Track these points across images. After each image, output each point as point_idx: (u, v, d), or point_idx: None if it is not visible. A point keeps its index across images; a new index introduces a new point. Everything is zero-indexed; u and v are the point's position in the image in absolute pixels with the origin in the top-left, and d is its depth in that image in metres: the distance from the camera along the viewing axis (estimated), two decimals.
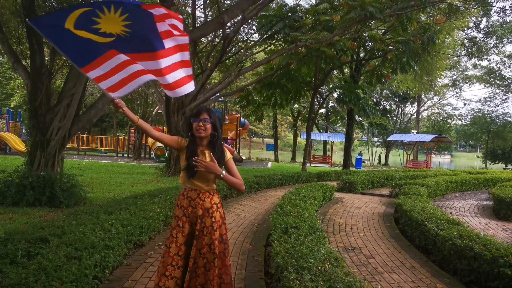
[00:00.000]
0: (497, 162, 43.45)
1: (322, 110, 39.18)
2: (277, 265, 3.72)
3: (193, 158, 2.96)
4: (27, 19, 3.62)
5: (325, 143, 40.41)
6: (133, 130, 29.11)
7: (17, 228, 5.37)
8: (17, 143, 20.86)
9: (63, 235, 4.38)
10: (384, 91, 40.92)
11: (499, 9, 17.62)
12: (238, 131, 27.77)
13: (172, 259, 3.00)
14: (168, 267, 2.99)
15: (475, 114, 44.41)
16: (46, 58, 9.41)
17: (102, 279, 3.90)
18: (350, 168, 22.45)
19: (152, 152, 23.73)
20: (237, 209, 8.50)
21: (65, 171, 8.60)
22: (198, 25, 14.24)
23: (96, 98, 9.17)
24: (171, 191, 7.87)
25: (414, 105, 45.07)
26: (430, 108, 47.97)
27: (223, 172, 3.04)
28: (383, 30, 17.17)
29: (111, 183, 11.55)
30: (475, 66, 39.45)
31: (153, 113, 28.01)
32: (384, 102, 43.94)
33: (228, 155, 3.19)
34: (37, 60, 8.10)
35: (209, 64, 14.50)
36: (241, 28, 15.08)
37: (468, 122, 46.67)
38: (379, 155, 47.37)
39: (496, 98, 41.91)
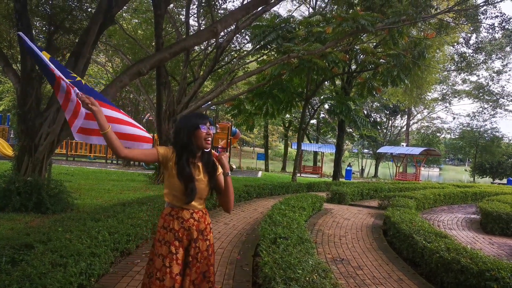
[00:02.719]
0: (485, 176, 43.92)
1: (313, 121, 39.42)
2: (265, 276, 3.70)
3: (221, 152, 2.71)
4: (19, 32, 4.33)
5: (315, 153, 40.51)
6: None
7: (2, 234, 5.28)
8: (5, 148, 20.61)
9: (49, 241, 4.32)
10: (375, 103, 41.26)
11: (488, 25, 17.97)
12: (229, 140, 27.74)
13: None
14: None
15: (463, 128, 44.92)
16: None
17: (87, 287, 3.85)
18: (340, 179, 22.51)
19: None
20: (226, 219, 8.46)
21: (52, 177, 8.49)
22: (191, 33, 14.27)
23: None
24: (160, 199, 7.81)
25: (404, 118, 45.53)
26: (419, 121, 48.51)
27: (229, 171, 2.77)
28: (374, 43, 17.37)
29: (99, 190, 11.43)
30: (464, 81, 40.01)
31: (144, 120, 27.91)
32: (375, 114, 44.30)
33: (220, 169, 2.79)
34: (27, 65, 8.04)
35: (201, 73, 14.51)
36: (234, 37, 15.15)
37: (456, 136, 47.16)
38: (362, 167, 47.56)
39: (484, 113, 42.46)
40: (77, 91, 3.06)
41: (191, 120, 2.66)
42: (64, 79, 3.26)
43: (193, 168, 2.65)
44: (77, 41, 8.72)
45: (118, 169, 20.43)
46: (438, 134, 48.54)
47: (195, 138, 2.62)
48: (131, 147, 3.21)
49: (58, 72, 3.26)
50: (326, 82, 20.43)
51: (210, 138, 2.66)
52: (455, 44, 25.06)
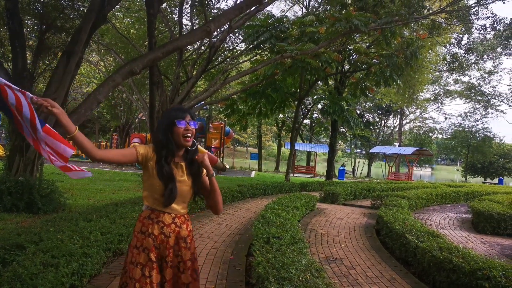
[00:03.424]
0: (476, 176, 44.31)
1: (307, 121, 39.47)
2: (258, 275, 3.70)
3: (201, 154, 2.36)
4: None
5: (308, 153, 40.59)
6: (116, 136, 28.80)
7: None
8: None
9: (40, 242, 4.28)
10: (368, 103, 41.43)
11: (480, 26, 18.11)
12: (222, 140, 27.70)
13: None
14: None
15: (455, 128, 45.24)
16: (29, 62, 9.27)
17: (79, 287, 3.82)
18: (333, 179, 22.57)
19: None
20: (219, 218, 8.44)
21: (44, 177, 8.43)
22: (184, 33, 14.22)
23: (79, 104, 9.07)
24: None
25: (396, 118, 45.79)
26: (412, 122, 48.79)
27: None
28: (367, 44, 17.42)
29: (91, 190, 11.37)
30: (456, 81, 40.28)
31: (137, 119, 27.79)
32: (368, 114, 44.48)
33: (205, 170, 2.54)
34: (19, 64, 7.97)
35: (194, 72, 14.46)
36: (228, 37, 15.12)
37: (448, 136, 47.49)
38: (353, 166, 47.71)
39: (476, 113, 42.78)
40: (30, 95, 2.26)
41: (169, 115, 2.43)
42: (9, 84, 2.31)
43: (176, 168, 2.43)
44: (69, 40, 8.66)
45: (111, 169, 20.32)
46: (430, 134, 48.85)
47: (172, 135, 2.39)
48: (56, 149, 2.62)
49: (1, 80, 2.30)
50: (319, 82, 20.47)
51: (189, 134, 2.39)
52: (447, 44, 25.25)
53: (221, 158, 27.89)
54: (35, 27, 10.31)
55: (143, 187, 2.48)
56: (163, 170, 2.36)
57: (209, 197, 2.55)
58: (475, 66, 32.83)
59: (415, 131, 49.32)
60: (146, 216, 2.43)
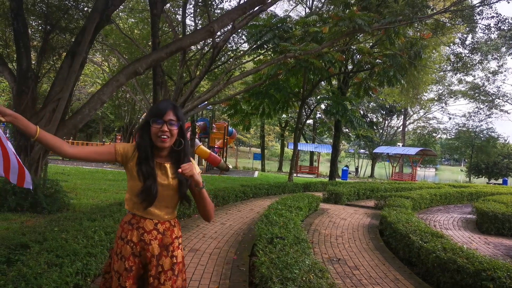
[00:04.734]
0: (480, 176, 44.13)
1: (310, 121, 39.43)
2: (261, 275, 3.70)
3: (182, 166, 2.10)
4: None
5: (312, 153, 40.56)
6: (119, 136, 28.87)
7: None
8: None
9: (45, 241, 4.29)
10: (371, 103, 41.36)
11: (484, 26, 18.00)
12: (225, 140, 27.72)
13: None
14: None
15: (459, 128, 45.10)
16: (33, 62, 9.30)
17: (83, 287, 3.83)
18: (336, 179, 22.54)
19: None
20: (222, 218, 8.45)
21: (48, 177, 8.46)
22: (188, 33, 14.24)
23: (83, 104, 9.10)
24: None
25: (400, 118, 45.65)
26: (415, 122, 48.62)
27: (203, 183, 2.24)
28: (371, 44, 17.39)
29: (95, 190, 11.40)
30: (460, 81, 40.12)
31: (140, 119, 27.82)
32: (371, 114, 44.40)
33: (197, 169, 2.26)
34: (23, 64, 8.00)
35: (198, 72, 14.48)
36: (231, 37, 15.13)
37: (452, 136, 47.34)
38: (356, 167, 47.64)
39: (480, 113, 42.64)
40: None
41: (149, 112, 2.25)
42: None
43: (158, 171, 2.23)
44: (73, 40, 8.69)
45: (115, 169, 20.37)
46: (434, 134, 48.71)
47: (150, 135, 2.20)
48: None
49: None
50: (322, 82, 20.45)
51: (165, 136, 2.16)
52: (451, 44, 25.15)
53: (224, 158, 27.90)
54: (40, 27, 10.36)
55: (127, 189, 2.33)
56: (142, 169, 2.19)
57: (199, 207, 2.32)
58: (479, 66, 32.73)
59: (418, 131, 49.15)
60: (127, 221, 2.27)
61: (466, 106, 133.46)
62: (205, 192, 2.24)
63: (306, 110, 25.60)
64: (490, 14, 15.38)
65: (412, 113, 45.78)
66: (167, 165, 2.24)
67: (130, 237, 2.21)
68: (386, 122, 46.68)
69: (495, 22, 15.34)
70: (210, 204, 2.30)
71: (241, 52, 16.93)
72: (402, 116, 44.48)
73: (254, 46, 14.87)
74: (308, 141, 40.67)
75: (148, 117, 2.22)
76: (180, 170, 2.10)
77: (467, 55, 24.03)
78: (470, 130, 43.16)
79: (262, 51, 15.64)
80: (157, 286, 2.18)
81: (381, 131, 45.69)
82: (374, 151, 37.53)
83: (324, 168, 42.55)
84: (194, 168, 2.16)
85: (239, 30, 14.68)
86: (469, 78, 38.13)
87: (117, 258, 2.23)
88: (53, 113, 8.03)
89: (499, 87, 58.08)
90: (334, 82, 21.69)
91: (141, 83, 19.28)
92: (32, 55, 8.81)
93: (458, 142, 44.99)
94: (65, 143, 2.09)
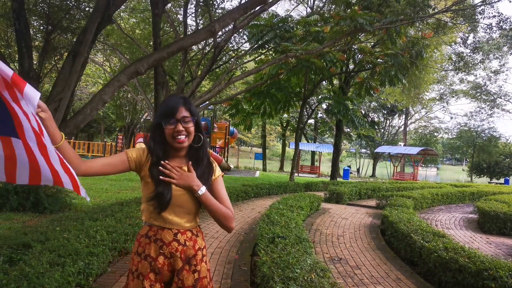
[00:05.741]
0: (482, 175, 44.03)
1: (311, 121, 39.37)
2: (263, 275, 3.70)
3: (162, 163, 1.95)
4: None
5: (313, 153, 40.54)
6: (121, 136, 28.90)
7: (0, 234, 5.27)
8: None
9: (47, 241, 4.31)
10: (373, 103, 41.30)
11: (486, 25, 18.01)
12: (226, 140, 27.72)
13: None
14: None
15: (461, 128, 45.01)
16: (35, 62, 9.32)
17: (85, 286, 3.84)
18: (338, 179, 22.53)
19: None
20: None
21: None
22: (189, 33, 14.25)
23: (84, 104, 9.11)
24: None
25: (401, 118, 45.58)
26: (417, 121, 48.56)
27: (203, 188, 1.98)
28: (372, 43, 17.37)
29: (97, 190, 11.42)
30: (461, 80, 40.06)
31: (142, 119, 27.87)
32: (372, 114, 44.34)
33: (218, 171, 2.12)
34: (25, 64, 8.01)
35: (199, 72, 14.48)
36: (232, 37, 15.13)
37: (454, 136, 47.26)
38: (357, 166, 47.62)
39: (482, 113, 42.56)
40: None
41: (158, 112, 2.02)
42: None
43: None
44: (74, 40, 8.70)
45: None
46: (435, 134, 48.64)
47: (163, 137, 2.00)
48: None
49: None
50: (323, 82, 20.44)
51: (181, 136, 1.95)
52: (453, 43, 25.14)
53: (225, 158, 27.91)
54: (41, 27, 10.38)
55: (142, 199, 2.11)
56: (153, 173, 1.99)
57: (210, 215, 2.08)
58: (481, 65, 32.67)
59: (420, 130, 49.09)
60: (144, 234, 2.03)
61: (467, 106, 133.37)
62: (207, 198, 2.00)
63: (308, 109, 25.56)
64: (492, 13, 15.37)
65: (413, 113, 45.74)
66: (185, 169, 2.02)
67: (148, 252, 1.98)
68: (388, 121, 46.62)
69: (497, 21, 15.32)
70: (218, 211, 2.01)
71: (243, 52, 16.94)
72: (404, 116, 44.43)
73: (255, 46, 14.87)
74: (310, 141, 40.69)
75: (159, 118, 1.99)
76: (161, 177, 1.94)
77: (469, 54, 23.99)
78: (472, 129, 43.08)
79: (264, 51, 15.64)
80: None
81: (382, 130, 45.63)
82: (375, 150, 37.50)
83: (325, 167, 42.50)
84: (188, 177, 1.97)
85: (240, 30, 14.68)
86: (471, 78, 38.12)
87: (132, 277, 2.00)
88: (54, 113, 8.03)
89: (501, 87, 58.08)
90: (335, 81, 21.69)
91: (143, 83, 19.31)
92: (34, 55, 8.83)
93: (460, 142, 44.93)
94: (80, 158, 1.90)
